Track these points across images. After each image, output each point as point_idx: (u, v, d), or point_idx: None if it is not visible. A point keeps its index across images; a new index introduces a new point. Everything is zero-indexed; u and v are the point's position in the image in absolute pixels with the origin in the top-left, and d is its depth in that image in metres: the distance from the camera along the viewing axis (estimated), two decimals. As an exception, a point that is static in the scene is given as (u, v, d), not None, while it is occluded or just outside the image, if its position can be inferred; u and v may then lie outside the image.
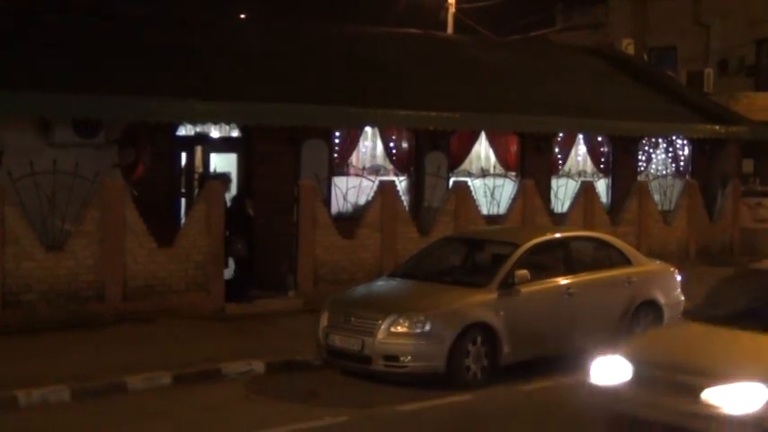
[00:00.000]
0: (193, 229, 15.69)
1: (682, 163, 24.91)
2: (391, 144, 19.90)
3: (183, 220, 16.49)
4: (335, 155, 19.13)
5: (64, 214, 14.85)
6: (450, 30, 31.40)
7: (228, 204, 16.47)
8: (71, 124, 15.72)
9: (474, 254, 13.96)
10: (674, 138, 24.44)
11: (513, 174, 21.48)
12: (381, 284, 13.64)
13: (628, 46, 30.52)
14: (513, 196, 20.33)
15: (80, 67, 16.27)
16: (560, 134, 22.19)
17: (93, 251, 14.76)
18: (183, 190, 17.58)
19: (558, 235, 14.06)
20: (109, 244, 14.86)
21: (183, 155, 17.62)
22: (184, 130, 17.47)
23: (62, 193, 14.80)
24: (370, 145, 19.70)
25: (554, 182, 22.26)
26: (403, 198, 18.82)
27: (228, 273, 16.23)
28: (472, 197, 19.35)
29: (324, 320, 12.55)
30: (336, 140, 19.14)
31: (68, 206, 14.84)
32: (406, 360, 11.68)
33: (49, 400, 10.96)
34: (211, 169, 17.82)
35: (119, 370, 11.90)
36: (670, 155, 24.72)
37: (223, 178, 16.84)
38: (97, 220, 14.82)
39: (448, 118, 19.14)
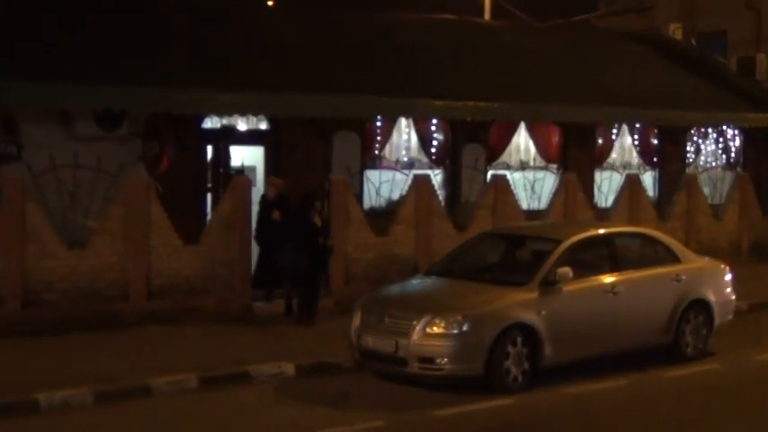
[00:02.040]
0: (220, 226, 15.74)
1: (732, 154, 24.69)
2: (427, 136, 19.88)
3: (209, 217, 16.55)
4: (368, 147, 19.13)
5: (86, 210, 14.96)
6: (487, 15, 31.27)
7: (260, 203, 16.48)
8: (93, 116, 15.82)
9: (513, 251, 13.92)
10: (724, 127, 24.22)
11: (555, 166, 21.41)
12: (416, 283, 13.64)
13: (675, 31, 30.24)
14: (554, 190, 20.24)
15: (102, 58, 16.34)
16: (604, 124, 22.04)
17: (116, 249, 14.84)
18: (210, 185, 17.64)
19: (601, 231, 13.98)
20: (133, 241, 14.92)
21: (209, 148, 17.69)
22: (210, 123, 17.51)
23: (84, 188, 14.94)
24: (405, 137, 19.68)
25: (597, 175, 22.15)
26: (438, 192, 18.78)
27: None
28: (511, 191, 19.29)
29: (356, 321, 12.55)
30: (369, 132, 19.13)
31: (91, 202, 14.97)
32: (443, 362, 11.65)
33: (70, 404, 11.02)
34: (236, 163, 17.88)
35: (143, 372, 11.95)
36: (720, 146, 24.51)
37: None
38: (120, 216, 14.88)
39: (486, 108, 19.09)
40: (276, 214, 15.86)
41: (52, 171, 14.81)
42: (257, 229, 16.11)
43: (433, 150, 19.94)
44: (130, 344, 13.61)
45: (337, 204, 16.81)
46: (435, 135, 19.94)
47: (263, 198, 16.48)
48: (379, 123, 19.18)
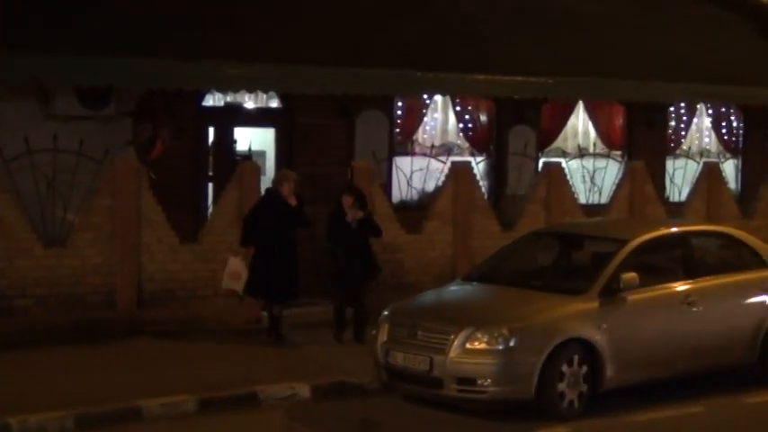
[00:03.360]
0: (223, 221, 15.78)
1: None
2: (467, 116, 19.89)
3: (210, 210, 16.61)
4: (398, 130, 19.19)
5: (66, 202, 15.04)
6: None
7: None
8: (75, 93, 15.84)
9: (569, 252, 13.94)
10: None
11: (619, 153, 21.42)
12: (454, 290, 13.65)
13: (768, -5, 29.98)
14: (617, 181, 20.24)
15: (86, 25, 16.21)
16: (678, 104, 21.94)
17: (101, 247, 14.90)
18: (211, 173, 17.70)
19: (674, 229, 13.94)
20: (121, 239, 14.99)
21: (211, 130, 17.75)
22: (212, 100, 17.55)
23: (64, 176, 15.00)
24: (441, 118, 19.70)
25: (669, 163, 22.10)
26: (481, 183, 18.82)
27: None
28: (567, 182, 19.30)
29: (383, 334, 12.55)
30: (399, 112, 19.18)
31: (72, 192, 15.03)
32: (485, 384, 11.63)
33: (47, 429, 11.05)
34: (242, 148, 17.99)
35: (132, 392, 11.97)
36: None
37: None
38: (107, 209, 14.95)
39: (538, 84, 19.04)
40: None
41: (27, 156, 14.89)
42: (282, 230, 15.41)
43: (475, 134, 19.93)
44: (118, 359, 13.64)
45: (361, 197, 16.81)
46: (477, 116, 19.94)
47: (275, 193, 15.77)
48: (411, 102, 19.19)
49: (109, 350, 14.11)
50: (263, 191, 16.09)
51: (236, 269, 14.82)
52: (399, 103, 19.15)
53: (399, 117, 19.20)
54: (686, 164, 22.24)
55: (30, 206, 14.70)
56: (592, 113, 21.21)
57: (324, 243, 15.49)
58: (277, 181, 15.23)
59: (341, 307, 15.28)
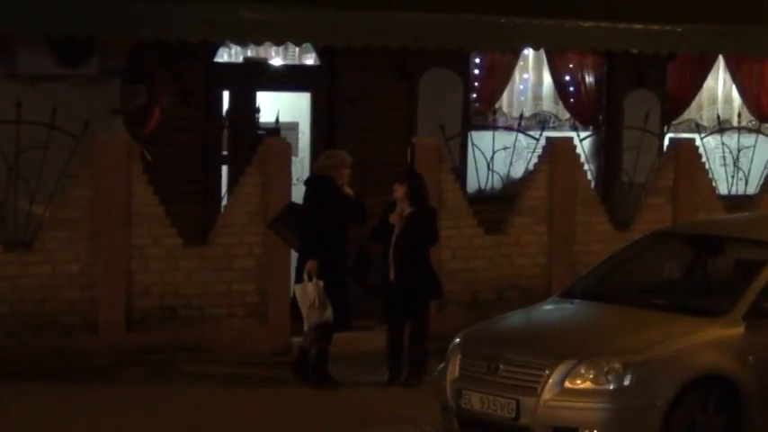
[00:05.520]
0: (241, 216, 15.84)
1: None
2: (568, 78, 19.98)
3: (224, 202, 16.67)
4: (475, 95, 19.27)
5: (33, 191, 15.06)
6: None
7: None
8: (45, 45, 15.90)
9: (705, 260, 13.83)
10: None
11: (772, 127, 21.27)
12: (549, 310, 13.57)
13: None
14: (771, 165, 20.12)
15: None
16: None
17: (78, 250, 14.98)
18: (226, 152, 17.81)
19: None
20: (105, 239, 15.05)
21: (226, 95, 17.84)
22: (228, 56, 17.64)
23: (31, 155, 14.98)
24: (533, 79, 19.78)
25: None
26: (586, 167, 18.75)
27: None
28: (703, 166, 19.23)
29: (453, 370, 12.44)
30: (476, 72, 19.28)
31: (41, 178, 15.02)
32: (591, 435, 11.63)
33: None
34: (267, 119, 17.96)
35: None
36: None
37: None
38: (86, 200, 15.03)
39: (663, 33, 18.96)
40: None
41: (-19, 128, 15.03)
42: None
43: (579, 101, 19.99)
44: (98, 405, 13.59)
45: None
46: (582, 77, 19.97)
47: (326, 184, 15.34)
48: (492, 58, 19.22)
49: (87, 389, 14.06)
50: (294, 177, 16.16)
51: (319, 296, 14.48)
52: (477, 60, 19.24)
53: (477, 78, 19.29)
54: None
55: (-16, 196, 14.82)
56: (737, 74, 21.24)
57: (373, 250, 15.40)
58: (330, 167, 14.98)
59: (396, 334, 15.22)
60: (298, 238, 14.78)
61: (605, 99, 20.14)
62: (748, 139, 20.87)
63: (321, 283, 14.39)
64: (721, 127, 20.96)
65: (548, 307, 13.68)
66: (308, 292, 14.43)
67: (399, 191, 14.95)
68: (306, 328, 14.54)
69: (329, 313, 14.44)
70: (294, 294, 14.92)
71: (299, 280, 14.64)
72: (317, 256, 14.46)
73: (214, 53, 17.46)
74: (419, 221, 15.05)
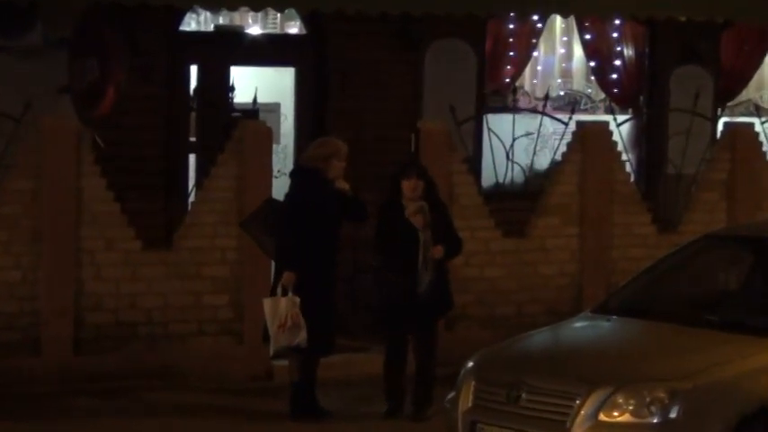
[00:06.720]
0: (212, 215, 15.80)
1: None
2: (602, 51, 20.05)
3: (191, 198, 16.71)
4: (491, 71, 19.24)
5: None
6: None
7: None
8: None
9: (766, 269, 13.70)
10: None
11: None
12: (580, 329, 13.54)
13: None
14: None
15: None
16: None
17: (18, 256, 14.98)
18: (194, 138, 17.85)
19: None
20: (50, 242, 15.04)
21: (194, 70, 17.87)
22: (196, 23, 17.75)
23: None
24: (561, 52, 19.79)
25: None
26: (624, 158, 18.69)
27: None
28: (764, 156, 19.16)
29: (466, 398, 12.34)
30: (493, 43, 19.26)
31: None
32: (631, 479, 11.63)
33: None
34: (243, 99, 18.02)
35: None
36: None
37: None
38: (28, 195, 15.02)
39: (714, -2, 19.02)
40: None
41: None
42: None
43: (615, 79, 20.00)
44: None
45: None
46: (619, 50, 19.93)
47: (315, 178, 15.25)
48: (510, 27, 19.24)
49: (27, 425, 13.94)
50: (275, 169, 16.23)
51: (292, 314, 14.34)
52: (494, 30, 19.24)
53: (494, 51, 19.32)
54: None
55: None
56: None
57: (373, 256, 15.31)
58: (320, 157, 14.75)
59: (397, 357, 15.13)
60: (275, 242, 14.64)
61: (647, 76, 20.18)
62: (820, 125, 20.84)
63: (297, 299, 14.21)
64: (787, 110, 20.92)
65: (578, 324, 13.65)
66: (279, 309, 14.25)
67: (419, 187, 14.70)
68: (271, 351, 14.41)
69: (303, 336, 14.22)
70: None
71: (272, 292, 14.51)
72: (296, 268, 14.28)
73: (180, 20, 17.51)
74: (440, 223, 15.04)
